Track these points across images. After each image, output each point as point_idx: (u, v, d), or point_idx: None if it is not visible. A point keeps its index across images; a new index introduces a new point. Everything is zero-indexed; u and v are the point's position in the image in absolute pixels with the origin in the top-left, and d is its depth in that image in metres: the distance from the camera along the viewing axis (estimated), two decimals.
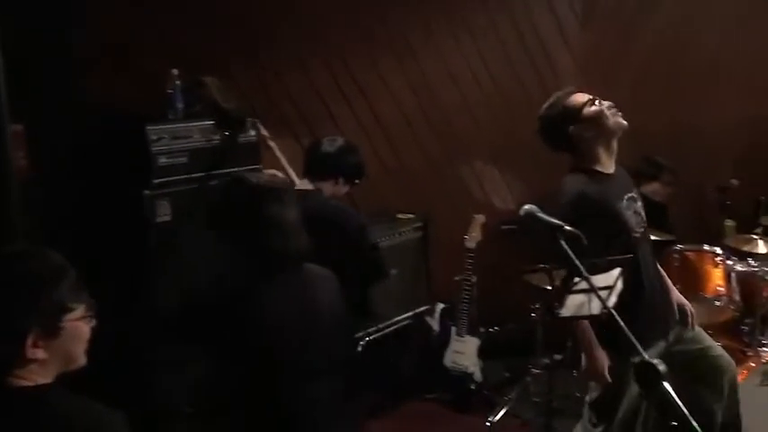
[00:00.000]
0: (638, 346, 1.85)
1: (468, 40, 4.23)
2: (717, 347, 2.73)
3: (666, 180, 4.12)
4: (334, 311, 2.03)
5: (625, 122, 2.51)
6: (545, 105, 2.61)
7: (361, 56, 4.01)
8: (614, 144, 2.56)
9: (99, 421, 1.45)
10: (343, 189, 2.85)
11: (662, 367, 1.79)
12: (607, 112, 2.49)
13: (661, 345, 2.58)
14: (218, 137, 3.12)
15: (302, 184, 2.85)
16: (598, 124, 2.48)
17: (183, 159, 2.97)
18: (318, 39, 3.89)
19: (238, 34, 3.68)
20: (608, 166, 2.55)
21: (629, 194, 2.56)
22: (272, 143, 3.33)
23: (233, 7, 3.55)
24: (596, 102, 2.50)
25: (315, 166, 2.83)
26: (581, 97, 2.52)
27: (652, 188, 4.14)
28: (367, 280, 2.97)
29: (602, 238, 2.29)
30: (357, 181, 2.90)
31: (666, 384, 1.78)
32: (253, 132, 3.27)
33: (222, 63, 3.58)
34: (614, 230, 2.44)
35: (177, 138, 2.98)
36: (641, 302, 2.49)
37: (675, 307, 2.69)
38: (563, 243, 2.07)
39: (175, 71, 3.13)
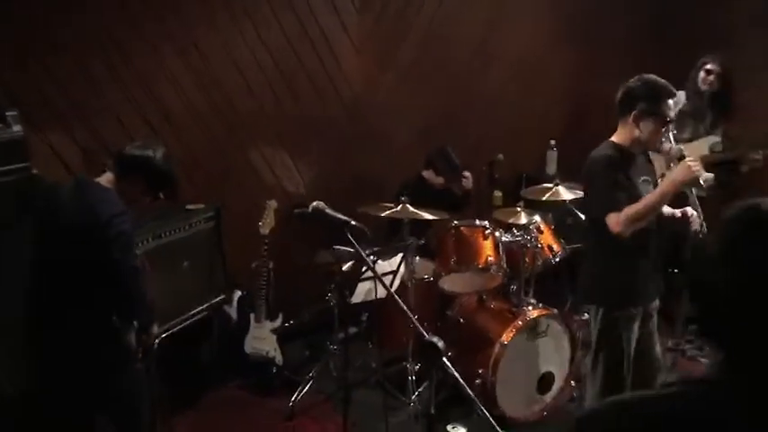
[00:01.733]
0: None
1: (249, 27, 4.19)
2: (658, 352, 3.10)
3: (449, 178, 4.46)
4: None
5: (658, 149, 2.93)
6: (647, 76, 2.80)
7: (138, 42, 3.80)
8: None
9: None
10: (143, 197, 2.65)
11: (441, 344, 2.00)
12: (663, 135, 2.84)
13: (640, 310, 2.93)
14: None
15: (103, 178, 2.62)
16: (653, 132, 2.78)
17: None
18: (87, 21, 3.62)
19: None
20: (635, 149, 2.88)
21: (644, 177, 2.91)
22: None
23: None
24: (671, 124, 2.85)
25: (116, 160, 2.62)
26: (669, 107, 2.78)
27: (437, 180, 4.47)
28: (120, 303, 2.58)
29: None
30: (161, 194, 2.70)
31: (445, 359, 1.99)
32: (17, 128, 2.98)
33: None
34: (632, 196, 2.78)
35: None
36: (641, 267, 2.88)
37: (657, 287, 3.03)
38: (350, 236, 2.22)
39: None
